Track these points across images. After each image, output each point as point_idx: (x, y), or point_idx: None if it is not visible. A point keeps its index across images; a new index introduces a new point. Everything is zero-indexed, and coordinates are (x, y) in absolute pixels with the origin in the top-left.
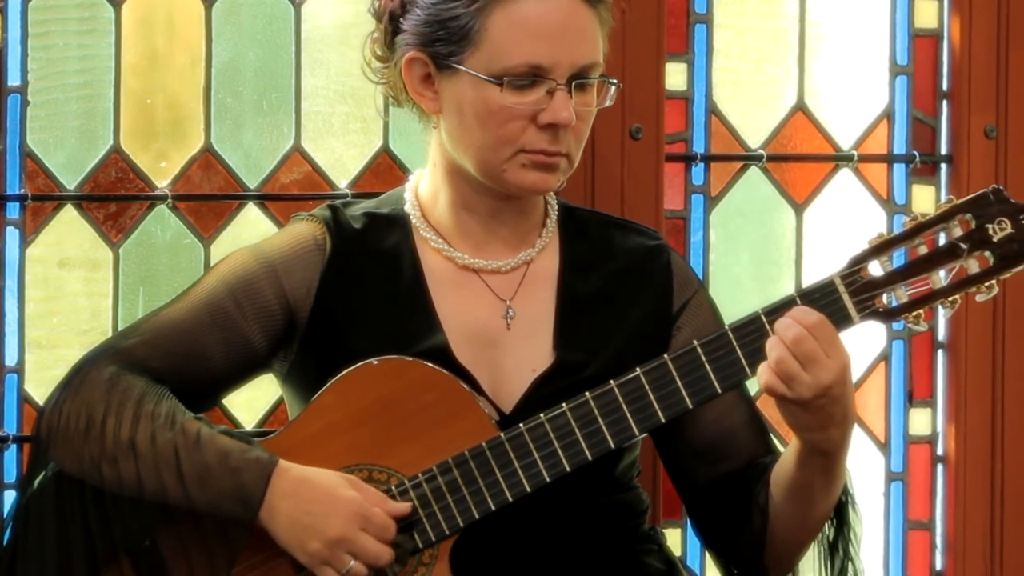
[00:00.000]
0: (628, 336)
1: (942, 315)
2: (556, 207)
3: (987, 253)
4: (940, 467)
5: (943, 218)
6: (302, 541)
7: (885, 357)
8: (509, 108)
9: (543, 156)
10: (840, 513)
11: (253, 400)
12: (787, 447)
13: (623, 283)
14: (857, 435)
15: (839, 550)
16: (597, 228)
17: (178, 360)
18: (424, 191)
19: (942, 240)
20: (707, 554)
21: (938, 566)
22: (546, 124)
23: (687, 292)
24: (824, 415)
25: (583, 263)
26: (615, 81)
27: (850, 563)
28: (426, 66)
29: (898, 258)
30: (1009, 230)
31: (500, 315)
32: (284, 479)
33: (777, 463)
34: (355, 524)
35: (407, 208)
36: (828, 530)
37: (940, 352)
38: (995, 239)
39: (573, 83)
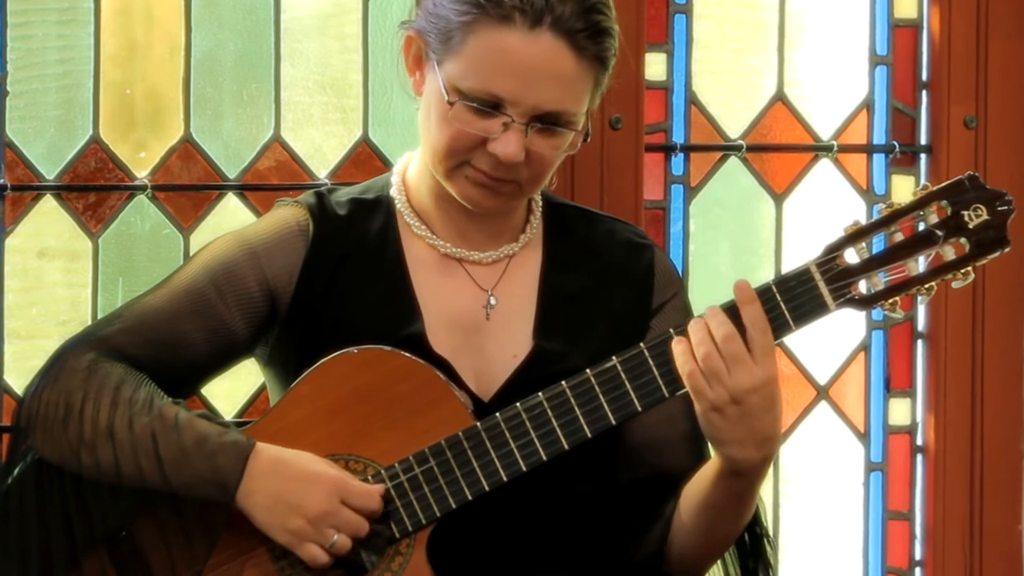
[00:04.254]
0: (608, 331)
1: (919, 303)
2: (540, 202)
3: (963, 240)
4: (920, 457)
5: (918, 205)
6: (283, 520)
7: (865, 347)
8: (461, 127)
9: (485, 178)
10: (756, 547)
11: (232, 390)
12: (707, 463)
13: (605, 279)
14: (836, 425)
15: None
16: (582, 224)
17: (158, 348)
18: (411, 173)
19: (919, 227)
20: None
21: (917, 556)
22: (491, 153)
23: (666, 294)
24: (743, 427)
25: (566, 259)
26: (583, 133)
27: None
28: (420, 49)
29: (874, 245)
30: (985, 217)
31: (481, 304)
32: (261, 460)
33: (693, 477)
34: (336, 497)
35: (393, 192)
36: (750, 564)
37: (920, 342)
38: (971, 226)
39: (531, 124)
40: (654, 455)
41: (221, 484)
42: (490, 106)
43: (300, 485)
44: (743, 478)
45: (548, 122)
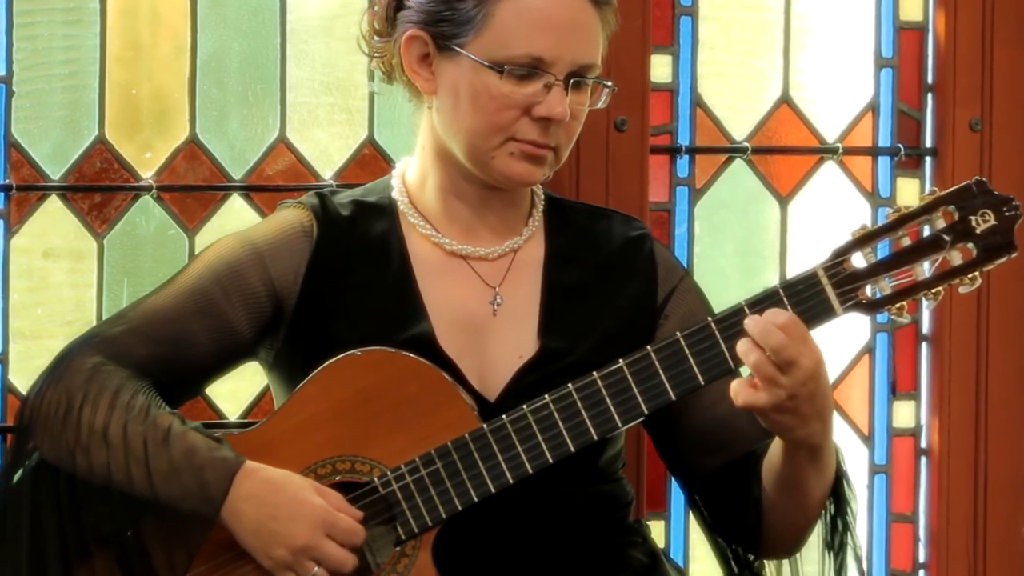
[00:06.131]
0: (613, 325)
1: (926, 307)
2: (542, 197)
3: (970, 245)
4: (924, 460)
5: (926, 210)
6: (267, 546)
7: (869, 350)
8: (505, 96)
9: (532, 147)
10: (836, 488)
11: (237, 391)
12: (773, 442)
13: (607, 273)
14: (841, 427)
15: (838, 526)
16: (582, 218)
17: (164, 347)
18: (411, 176)
19: (926, 232)
20: (690, 547)
21: (921, 558)
22: (540, 117)
23: (672, 281)
24: (801, 414)
25: (568, 253)
26: (611, 84)
27: (849, 535)
28: (426, 45)
29: (882, 250)
30: (992, 222)
31: (487, 301)
32: (249, 480)
33: (765, 459)
34: (320, 531)
35: (394, 195)
36: (828, 506)
37: (924, 345)
38: (978, 231)
39: (570, 81)
40: (720, 436)
41: (206, 499)
42: (531, 69)
43: (286, 513)
44: (813, 449)
45: (582, 76)
